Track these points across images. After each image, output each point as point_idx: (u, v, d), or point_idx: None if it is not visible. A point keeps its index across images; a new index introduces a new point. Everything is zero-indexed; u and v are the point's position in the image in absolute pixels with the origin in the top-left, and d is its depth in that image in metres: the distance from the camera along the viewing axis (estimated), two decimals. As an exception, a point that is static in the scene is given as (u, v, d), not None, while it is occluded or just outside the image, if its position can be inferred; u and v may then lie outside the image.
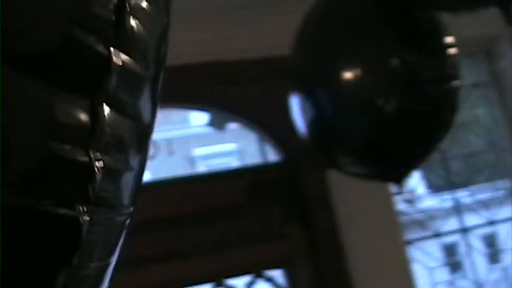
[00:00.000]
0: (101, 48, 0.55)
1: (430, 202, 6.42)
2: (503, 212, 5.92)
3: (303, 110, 2.46)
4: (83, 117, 0.55)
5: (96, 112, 0.55)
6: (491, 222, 5.79)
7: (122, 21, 0.58)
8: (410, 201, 5.72)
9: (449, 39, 2.40)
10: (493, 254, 6.75)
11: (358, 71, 2.31)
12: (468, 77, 6.02)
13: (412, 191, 6.41)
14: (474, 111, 6.01)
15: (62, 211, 0.54)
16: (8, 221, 0.49)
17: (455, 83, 2.39)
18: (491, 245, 6.83)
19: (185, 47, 4.57)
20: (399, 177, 2.50)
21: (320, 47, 2.41)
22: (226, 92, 4.72)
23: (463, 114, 5.74)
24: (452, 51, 2.39)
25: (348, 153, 2.53)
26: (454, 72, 2.37)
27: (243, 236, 4.40)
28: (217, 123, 5.24)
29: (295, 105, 2.54)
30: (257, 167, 4.94)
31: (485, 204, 5.82)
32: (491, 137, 5.95)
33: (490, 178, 6.04)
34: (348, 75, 2.32)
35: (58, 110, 0.51)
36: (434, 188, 5.97)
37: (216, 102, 4.84)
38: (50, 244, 0.54)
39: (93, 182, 0.56)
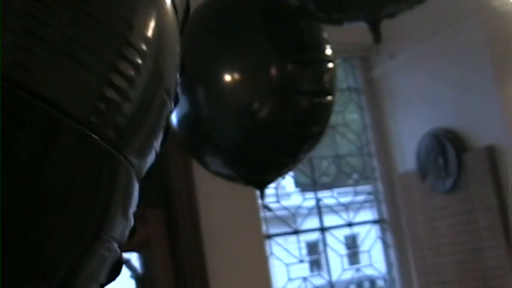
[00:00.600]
0: None
1: (296, 200, 6.54)
2: (364, 215, 6.12)
3: (180, 103, 2.43)
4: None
5: None
6: (351, 224, 5.98)
7: None
8: (277, 197, 5.79)
9: (328, 53, 2.43)
10: (352, 255, 6.96)
11: (235, 75, 2.31)
12: (343, 81, 6.17)
13: (281, 188, 6.50)
14: (346, 115, 6.17)
15: None
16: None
17: (329, 97, 2.42)
18: (352, 246, 7.06)
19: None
20: (262, 184, 2.52)
21: (204, 47, 2.39)
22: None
23: (335, 117, 5.88)
24: (330, 65, 2.42)
25: (216, 153, 2.53)
26: (329, 87, 2.40)
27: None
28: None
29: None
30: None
31: (347, 207, 6.00)
32: (360, 142, 6.12)
33: (356, 182, 6.22)
34: (226, 78, 2.32)
35: None
36: (301, 186, 6.09)
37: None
38: None
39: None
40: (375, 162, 6.07)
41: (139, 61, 0.70)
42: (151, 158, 0.88)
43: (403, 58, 5.74)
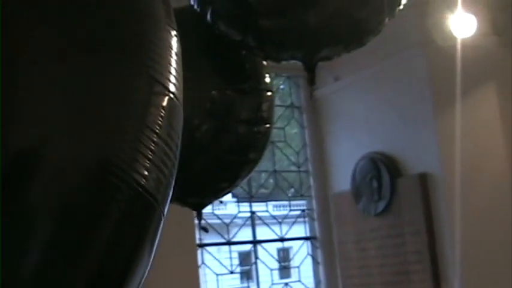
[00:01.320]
0: None
1: (231, 210, 6.59)
2: (297, 230, 6.23)
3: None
4: None
5: None
6: (283, 239, 6.09)
7: None
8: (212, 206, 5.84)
9: (267, 82, 2.49)
10: (283, 269, 7.05)
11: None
12: (287, 98, 6.28)
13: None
14: (286, 132, 6.27)
15: None
16: None
17: (267, 126, 2.47)
18: (283, 260, 7.14)
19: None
20: (199, 206, 2.55)
21: None
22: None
23: (276, 133, 5.98)
24: (268, 94, 2.47)
25: None
26: (267, 116, 2.45)
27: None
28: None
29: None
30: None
31: (280, 221, 6.10)
32: (298, 159, 6.23)
33: (291, 197, 6.32)
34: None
35: None
36: (237, 197, 6.15)
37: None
38: None
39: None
40: (311, 180, 6.18)
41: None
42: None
43: (347, 81, 5.89)
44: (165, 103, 1.21)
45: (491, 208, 5.14)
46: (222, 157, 2.39)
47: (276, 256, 6.76)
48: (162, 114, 1.19)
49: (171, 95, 1.24)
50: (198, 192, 2.50)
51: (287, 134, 6.29)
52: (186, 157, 2.42)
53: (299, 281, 6.20)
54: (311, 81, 2.14)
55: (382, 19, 2.18)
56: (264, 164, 6.04)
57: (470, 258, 4.97)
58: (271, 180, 6.21)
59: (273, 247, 6.38)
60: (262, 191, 6.27)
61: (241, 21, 2.12)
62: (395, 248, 5.42)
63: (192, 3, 2.19)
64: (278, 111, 6.38)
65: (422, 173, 5.26)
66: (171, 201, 2.71)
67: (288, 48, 2.12)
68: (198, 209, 2.53)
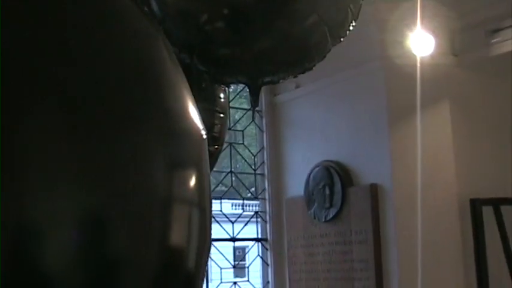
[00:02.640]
0: None
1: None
2: (248, 231, 6.35)
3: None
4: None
5: None
6: (234, 239, 6.20)
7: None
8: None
9: (221, 105, 2.56)
10: (234, 269, 7.14)
11: None
12: (247, 101, 6.39)
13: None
14: (245, 134, 6.39)
15: None
16: None
17: (217, 146, 2.55)
18: (236, 260, 7.24)
19: None
20: None
21: None
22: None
23: (235, 135, 6.10)
24: (221, 116, 2.56)
25: None
26: (218, 136, 2.53)
27: None
28: None
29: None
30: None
31: (233, 221, 6.21)
32: (255, 162, 6.36)
33: (246, 198, 6.44)
34: None
35: None
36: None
37: None
38: None
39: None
40: (266, 183, 6.31)
41: None
42: None
43: (308, 89, 6.02)
44: None
45: (438, 221, 5.31)
46: None
47: (231, 255, 6.86)
48: None
49: None
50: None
51: (246, 136, 6.41)
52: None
53: (248, 280, 6.32)
54: (254, 103, 2.23)
55: (326, 48, 2.24)
56: (222, 164, 6.17)
57: (412, 270, 5.13)
58: (227, 181, 6.32)
59: (224, 246, 6.48)
60: (220, 189, 6.38)
61: (188, 46, 2.18)
62: (342, 254, 5.58)
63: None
64: (239, 114, 6.51)
65: (373, 183, 5.42)
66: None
67: (232, 74, 2.21)
68: None
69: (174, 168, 1.27)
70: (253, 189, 6.44)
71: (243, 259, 7.34)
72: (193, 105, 1.43)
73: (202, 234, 1.32)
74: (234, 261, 6.95)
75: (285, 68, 2.22)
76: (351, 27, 2.18)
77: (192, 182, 1.30)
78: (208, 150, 2.41)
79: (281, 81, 2.24)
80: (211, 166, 2.55)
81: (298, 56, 2.18)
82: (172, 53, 1.47)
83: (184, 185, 1.28)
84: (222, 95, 2.58)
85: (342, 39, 2.18)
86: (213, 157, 2.55)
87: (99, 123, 1.14)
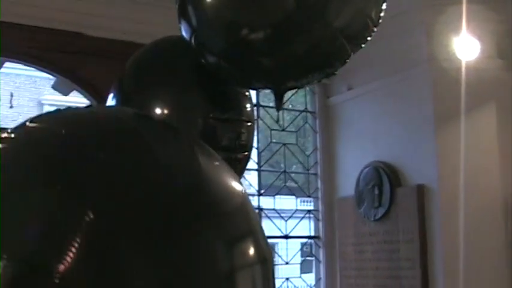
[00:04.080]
0: None
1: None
2: (301, 229, 6.56)
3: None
4: None
5: None
6: (287, 237, 6.44)
7: None
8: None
9: (248, 114, 2.74)
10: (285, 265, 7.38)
11: (166, 112, 2.58)
12: (302, 103, 6.62)
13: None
14: (299, 136, 6.61)
15: None
16: None
17: (245, 153, 2.71)
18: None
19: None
20: None
21: (149, 80, 2.65)
22: (77, 62, 5.06)
23: (289, 136, 6.33)
24: (248, 124, 2.71)
25: None
26: (245, 144, 2.69)
27: None
28: (62, 89, 5.53)
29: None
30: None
31: (286, 218, 6.44)
32: (308, 162, 6.58)
33: (299, 196, 6.67)
34: (157, 111, 2.59)
35: None
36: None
37: (64, 70, 5.14)
38: None
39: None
40: (319, 183, 6.52)
41: None
42: None
43: (359, 91, 6.19)
44: None
45: (481, 222, 5.41)
46: None
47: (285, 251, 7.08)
48: None
49: None
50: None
51: (299, 138, 6.63)
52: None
53: (299, 277, 6.54)
54: (278, 107, 2.40)
55: (346, 55, 2.37)
56: (277, 165, 6.41)
57: (457, 269, 5.25)
58: (280, 181, 6.56)
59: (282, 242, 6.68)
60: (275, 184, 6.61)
61: (225, 54, 2.35)
62: (390, 253, 5.73)
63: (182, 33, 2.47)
64: (293, 115, 6.72)
65: (420, 184, 5.55)
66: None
67: (260, 79, 2.39)
68: None
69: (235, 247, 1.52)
70: (305, 188, 6.65)
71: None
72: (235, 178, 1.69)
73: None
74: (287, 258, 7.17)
75: (308, 74, 2.36)
76: (372, 34, 2.27)
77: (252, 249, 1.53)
78: (237, 157, 2.61)
79: (302, 87, 2.41)
80: (241, 172, 2.72)
81: (319, 63, 2.32)
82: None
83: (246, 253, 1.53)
84: (248, 105, 2.71)
85: (363, 46, 2.29)
86: (242, 163, 2.71)
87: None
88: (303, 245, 7.16)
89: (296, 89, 2.52)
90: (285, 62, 2.24)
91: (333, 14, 2.17)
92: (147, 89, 2.56)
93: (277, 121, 6.05)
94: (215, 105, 2.53)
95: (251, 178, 6.54)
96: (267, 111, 6.59)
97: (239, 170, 2.65)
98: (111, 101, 2.65)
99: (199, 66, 2.47)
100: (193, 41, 2.36)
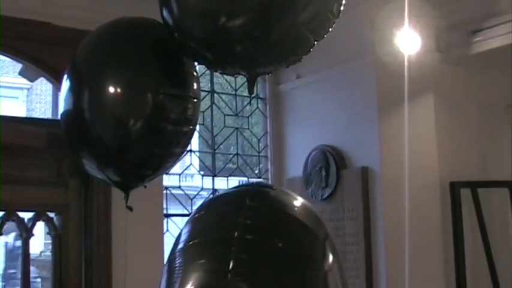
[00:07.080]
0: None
1: (197, 182, 7.26)
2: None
3: (66, 101, 2.82)
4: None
5: None
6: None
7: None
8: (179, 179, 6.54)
9: (194, 91, 2.87)
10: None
11: (118, 89, 2.81)
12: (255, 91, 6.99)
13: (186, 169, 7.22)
14: (251, 120, 7.01)
15: None
16: None
17: (191, 127, 2.95)
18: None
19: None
20: (127, 188, 2.91)
21: (98, 58, 2.76)
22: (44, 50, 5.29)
23: (242, 121, 6.72)
24: (194, 101, 2.96)
25: (90, 157, 2.88)
26: (191, 118, 2.85)
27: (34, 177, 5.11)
28: (28, 75, 5.75)
29: (62, 93, 2.90)
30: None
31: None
32: (259, 145, 6.98)
33: (250, 177, 7.07)
34: (110, 89, 2.81)
35: None
36: (204, 170, 6.87)
37: (31, 58, 5.37)
38: None
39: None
40: (269, 165, 6.93)
41: None
42: None
43: (307, 80, 6.61)
44: None
45: (421, 201, 5.93)
46: (149, 150, 2.82)
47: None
48: None
49: None
50: (127, 177, 2.92)
51: (251, 122, 7.03)
52: (120, 148, 2.89)
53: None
54: (251, 91, 2.55)
55: (309, 44, 2.52)
56: (231, 148, 6.79)
57: (398, 244, 5.76)
58: (233, 163, 6.95)
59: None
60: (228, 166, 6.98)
61: (205, 43, 2.55)
62: (336, 230, 6.19)
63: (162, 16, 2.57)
64: (245, 102, 7.11)
65: (364, 166, 6.03)
66: (105, 182, 3.14)
67: (234, 65, 2.54)
68: (126, 190, 2.94)
69: None
70: (257, 170, 7.06)
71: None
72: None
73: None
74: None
75: (276, 61, 2.59)
76: (333, 25, 2.54)
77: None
78: (183, 130, 2.88)
79: (273, 71, 2.66)
80: (186, 144, 2.96)
81: (286, 51, 2.55)
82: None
83: None
84: (195, 84, 2.93)
85: (325, 36, 2.55)
86: (187, 136, 2.91)
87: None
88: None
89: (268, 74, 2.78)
90: (257, 51, 2.45)
91: (299, 10, 2.41)
92: (100, 70, 2.77)
93: (229, 107, 6.40)
94: (165, 81, 2.76)
95: (206, 161, 6.90)
96: (221, 97, 6.96)
97: (185, 141, 2.93)
98: (64, 84, 2.88)
99: (151, 46, 2.75)
100: (174, 27, 2.56)
